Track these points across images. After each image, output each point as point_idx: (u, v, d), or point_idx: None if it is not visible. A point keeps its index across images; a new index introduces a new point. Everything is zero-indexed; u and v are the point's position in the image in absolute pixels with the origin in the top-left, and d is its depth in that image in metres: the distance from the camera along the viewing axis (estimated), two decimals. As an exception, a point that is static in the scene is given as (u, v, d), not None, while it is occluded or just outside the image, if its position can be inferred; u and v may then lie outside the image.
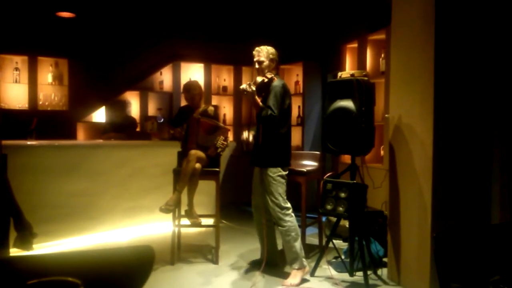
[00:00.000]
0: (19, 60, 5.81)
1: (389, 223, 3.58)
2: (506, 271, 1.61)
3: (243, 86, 3.32)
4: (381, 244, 3.85)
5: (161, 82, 6.50)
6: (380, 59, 4.96)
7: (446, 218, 3.07)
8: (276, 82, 3.44)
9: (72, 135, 5.80)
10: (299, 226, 3.61)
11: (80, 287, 0.96)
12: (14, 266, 1.20)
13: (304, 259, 3.45)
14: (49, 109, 5.90)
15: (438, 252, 1.51)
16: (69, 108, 5.95)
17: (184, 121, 4.16)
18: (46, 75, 5.97)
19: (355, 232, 3.46)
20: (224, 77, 6.96)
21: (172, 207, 3.76)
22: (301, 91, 6.34)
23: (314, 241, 4.48)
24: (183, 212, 4.06)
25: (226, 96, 6.92)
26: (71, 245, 4.29)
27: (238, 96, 6.86)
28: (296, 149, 6.09)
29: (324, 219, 4.43)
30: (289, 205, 3.44)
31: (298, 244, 3.42)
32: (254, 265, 3.78)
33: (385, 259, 3.73)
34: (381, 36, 4.86)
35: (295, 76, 6.60)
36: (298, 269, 3.41)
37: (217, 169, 3.96)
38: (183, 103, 5.29)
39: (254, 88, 3.31)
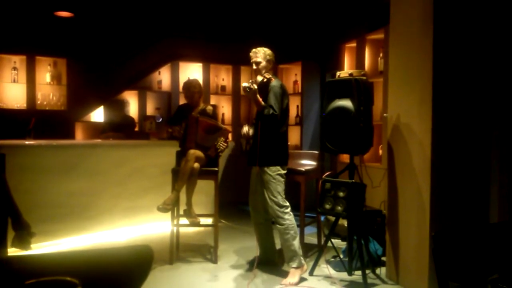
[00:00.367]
0: (17, 60, 5.80)
1: (387, 222, 3.58)
2: (504, 270, 1.61)
3: (245, 84, 3.33)
4: (380, 243, 3.86)
5: (160, 82, 6.49)
6: (379, 58, 4.96)
7: (444, 217, 3.08)
8: (274, 82, 3.47)
9: (71, 135, 5.79)
10: (298, 225, 3.62)
11: (78, 287, 0.96)
12: (12, 265, 1.19)
13: (302, 258, 3.45)
14: (47, 108, 5.89)
15: (436, 251, 1.51)
16: (67, 107, 5.94)
17: (183, 120, 4.15)
18: (44, 74, 5.96)
19: (354, 231, 3.47)
20: (223, 77, 6.96)
21: (170, 206, 3.75)
22: (300, 90, 6.34)
23: (313, 240, 4.48)
24: (181, 212, 4.05)
25: (225, 96, 6.92)
26: (70, 245, 4.29)
27: (237, 95, 6.87)
28: (294, 149, 6.09)
29: (322, 218, 4.43)
30: (287, 203, 3.45)
31: (296, 243, 3.42)
32: (253, 264, 3.78)
33: (383, 258, 3.73)
34: (379, 35, 4.86)
35: (293, 76, 6.60)
36: (296, 267, 3.41)
37: (216, 169, 3.96)
38: (182, 102, 5.29)
39: (256, 87, 3.33)
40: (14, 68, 5.77)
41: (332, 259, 3.86)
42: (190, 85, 4.24)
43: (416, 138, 3.22)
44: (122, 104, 5.60)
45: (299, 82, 6.38)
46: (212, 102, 6.71)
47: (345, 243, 3.91)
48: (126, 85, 6.19)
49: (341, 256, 3.71)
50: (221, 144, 3.92)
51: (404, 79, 3.38)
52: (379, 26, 4.79)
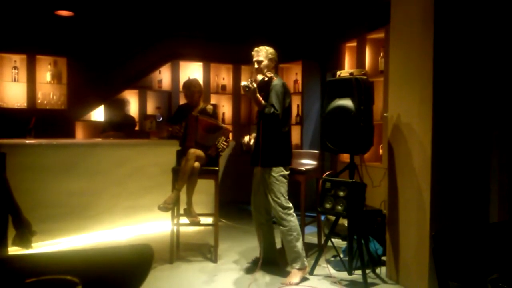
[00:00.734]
0: (18, 59, 5.80)
1: (388, 221, 3.58)
2: (504, 269, 1.61)
3: (244, 83, 3.28)
4: (380, 243, 3.86)
5: (160, 81, 6.49)
6: (379, 58, 4.96)
7: (444, 217, 3.08)
8: (276, 81, 3.44)
9: (71, 134, 5.79)
10: (299, 225, 3.62)
11: (78, 286, 0.96)
12: (12, 264, 1.19)
13: (305, 259, 3.44)
14: (47, 108, 5.89)
15: (436, 251, 1.52)
16: (67, 107, 5.94)
17: (183, 119, 4.15)
18: (45, 73, 5.95)
19: (354, 231, 3.47)
20: (223, 76, 6.95)
21: (171, 206, 3.75)
22: (300, 90, 6.34)
23: (313, 239, 4.48)
24: (182, 211, 4.05)
25: (225, 95, 6.91)
26: (70, 244, 4.29)
27: (237, 95, 6.86)
28: (295, 148, 6.08)
29: (323, 217, 4.43)
30: (290, 205, 3.43)
31: (299, 244, 3.41)
32: (253, 264, 3.79)
33: (383, 258, 3.73)
34: (380, 35, 4.86)
35: (294, 75, 6.59)
36: (298, 269, 3.41)
37: (216, 168, 3.96)
38: (182, 101, 5.29)
39: (255, 85, 3.29)
40: (15, 67, 5.77)
41: (332, 259, 3.86)
42: (190, 85, 4.24)
43: (416, 137, 3.22)
44: (123, 104, 5.60)
45: (300, 82, 6.38)
46: (213, 101, 6.71)
47: (345, 242, 3.91)
48: (127, 84, 6.19)
49: (341, 255, 3.71)
50: (221, 144, 3.92)
51: (404, 79, 3.38)
52: (379, 25, 4.78)
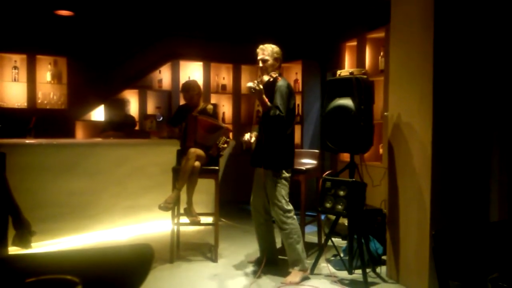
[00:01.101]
0: (18, 59, 5.80)
1: (388, 221, 3.58)
2: (504, 269, 1.61)
3: (251, 84, 3.20)
4: (380, 242, 3.86)
5: (160, 81, 6.49)
6: (379, 57, 4.96)
7: (445, 216, 3.08)
8: (281, 82, 3.37)
9: (71, 134, 5.79)
10: (299, 224, 3.62)
11: (78, 286, 0.96)
12: (12, 264, 1.19)
13: (306, 261, 3.44)
14: (47, 107, 5.89)
15: (437, 250, 1.51)
16: (67, 106, 5.94)
17: (183, 120, 4.15)
18: (45, 73, 5.96)
19: (354, 230, 3.46)
20: (223, 76, 6.95)
21: (171, 205, 3.75)
22: (300, 89, 6.34)
23: (313, 239, 4.48)
24: (182, 211, 4.05)
25: (225, 95, 6.91)
26: (70, 244, 4.29)
27: (237, 94, 6.86)
28: (295, 148, 6.08)
29: (323, 217, 4.43)
30: (291, 207, 3.41)
31: (300, 246, 3.41)
32: (254, 263, 3.78)
33: (384, 257, 3.73)
34: (380, 34, 4.86)
35: (294, 75, 6.59)
36: (299, 270, 3.40)
37: (217, 168, 3.96)
38: (182, 101, 5.28)
39: (261, 87, 3.22)
40: (15, 67, 5.77)
41: (333, 258, 3.86)
42: (189, 88, 4.22)
43: (416, 137, 3.22)
44: (123, 103, 5.60)
45: (300, 81, 6.38)
46: (213, 101, 6.70)
47: (345, 242, 3.91)
48: (127, 84, 6.19)
49: (342, 255, 3.71)
50: (222, 143, 3.92)
51: (404, 78, 3.38)
52: (379, 24, 4.78)
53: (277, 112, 3.25)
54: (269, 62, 3.44)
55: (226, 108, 6.94)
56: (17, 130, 4.58)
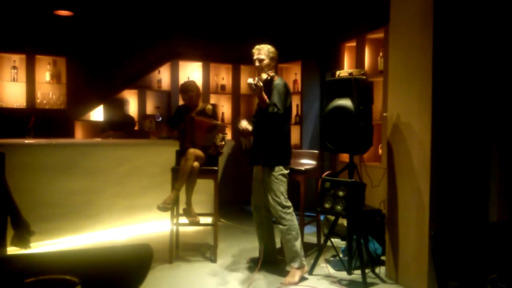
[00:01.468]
0: (17, 59, 5.79)
1: (387, 221, 3.58)
2: (503, 269, 1.61)
3: (251, 80, 3.20)
4: (379, 243, 3.86)
5: (159, 81, 6.49)
6: (379, 57, 4.96)
7: (444, 217, 3.08)
8: (278, 81, 3.42)
9: (70, 134, 5.79)
10: (298, 224, 3.62)
11: (78, 286, 0.96)
12: (11, 264, 1.19)
13: (304, 258, 3.44)
14: (47, 107, 5.89)
15: (436, 250, 1.51)
16: (67, 106, 5.94)
17: (182, 121, 4.14)
18: (44, 73, 5.95)
19: (353, 231, 3.47)
20: (223, 76, 6.95)
21: (170, 206, 3.75)
22: (300, 89, 6.34)
23: (312, 239, 4.48)
24: (181, 211, 4.05)
25: (225, 95, 6.91)
26: (69, 244, 4.29)
27: (237, 94, 6.86)
28: (294, 148, 6.08)
29: (322, 217, 4.43)
30: (290, 204, 3.44)
31: (298, 243, 3.41)
32: (253, 263, 3.78)
33: (383, 258, 3.74)
34: (379, 35, 4.86)
35: (293, 75, 6.59)
36: (297, 268, 3.41)
37: (216, 168, 3.96)
38: (181, 101, 5.28)
39: (261, 84, 3.24)
40: (14, 67, 5.77)
41: (332, 258, 3.86)
42: (188, 88, 4.20)
43: (415, 137, 3.22)
44: (122, 103, 5.61)
45: (299, 81, 6.38)
46: (212, 101, 6.71)
47: (344, 242, 3.91)
48: (126, 84, 6.18)
49: (341, 255, 3.71)
50: (219, 141, 3.91)
51: (404, 78, 3.38)
52: (379, 25, 4.78)
53: (275, 109, 3.29)
54: (265, 62, 3.48)
55: (225, 108, 6.94)
56: (16, 130, 4.58)
